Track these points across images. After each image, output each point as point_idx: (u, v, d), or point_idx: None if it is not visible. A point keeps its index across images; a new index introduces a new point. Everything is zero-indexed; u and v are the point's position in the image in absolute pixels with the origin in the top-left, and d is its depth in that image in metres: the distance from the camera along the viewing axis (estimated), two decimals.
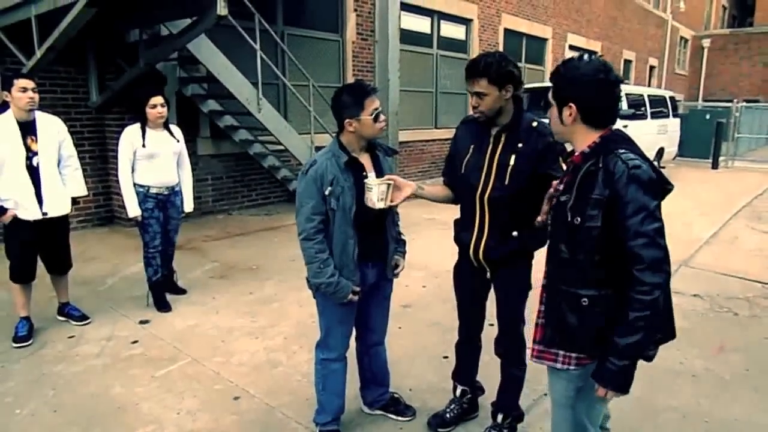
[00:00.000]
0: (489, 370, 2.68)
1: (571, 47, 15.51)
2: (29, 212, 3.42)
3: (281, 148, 7.20)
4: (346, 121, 2.20)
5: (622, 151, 1.57)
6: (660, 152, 11.02)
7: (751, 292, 4.64)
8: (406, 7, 9.54)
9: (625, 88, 10.04)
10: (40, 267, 3.63)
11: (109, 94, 6.06)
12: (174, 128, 4.09)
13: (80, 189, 3.74)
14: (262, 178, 7.91)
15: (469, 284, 2.43)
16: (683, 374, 3.17)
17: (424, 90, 10.76)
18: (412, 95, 10.24)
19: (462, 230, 2.34)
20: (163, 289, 4.11)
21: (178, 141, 4.05)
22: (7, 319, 3.69)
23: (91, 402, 2.81)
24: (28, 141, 3.42)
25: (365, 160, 2.31)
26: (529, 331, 2.46)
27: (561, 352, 1.74)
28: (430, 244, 5.58)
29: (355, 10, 8.91)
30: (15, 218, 3.39)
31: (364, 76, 9.22)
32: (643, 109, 10.11)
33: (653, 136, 10.58)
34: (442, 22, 10.85)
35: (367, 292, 2.39)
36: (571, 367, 1.73)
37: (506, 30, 12.58)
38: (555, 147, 2.12)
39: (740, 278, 5.00)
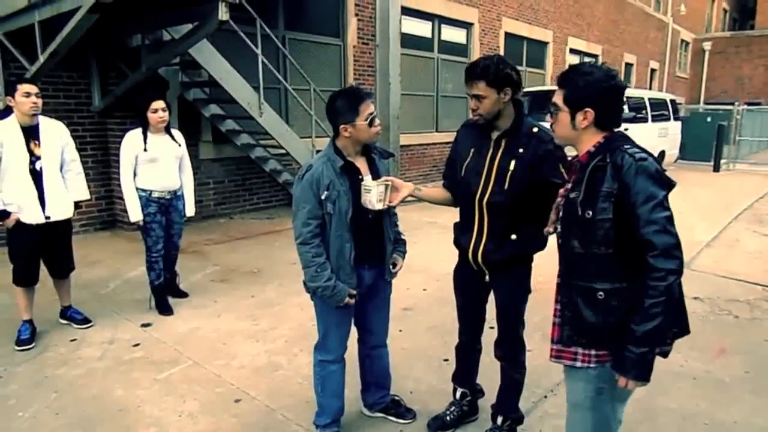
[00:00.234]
0: (489, 373, 2.69)
1: (572, 51, 15.56)
2: (32, 216, 3.45)
3: (283, 152, 7.23)
4: (342, 126, 2.21)
5: (628, 146, 1.65)
6: (661, 155, 11.01)
7: (752, 295, 4.64)
8: (407, 11, 9.58)
9: (626, 92, 10.07)
10: (43, 270, 3.65)
11: (112, 98, 6.10)
12: (175, 132, 4.11)
13: (83, 193, 3.77)
14: (263, 182, 7.94)
15: (468, 287, 2.44)
16: (683, 376, 3.18)
17: (425, 94, 10.80)
18: (413, 99, 10.28)
19: (461, 234, 2.35)
20: (165, 292, 4.13)
21: (179, 145, 4.08)
22: (9, 322, 3.71)
23: (93, 404, 2.83)
24: (32, 145, 3.45)
25: (361, 163, 2.33)
26: (528, 335, 2.48)
27: (580, 351, 1.74)
28: (430, 247, 5.59)
29: (356, 14, 8.96)
30: (18, 222, 3.42)
31: (365, 80, 9.26)
32: (644, 112, 10.12)
33: (654, 139, 10.59)
34: (442, 26, 10.90)
35: (364, 294, 2.41)
36: (591, 365, 1.73)
37: (507, 34, 12.62)
38: (555, 154, 2.13)
39: (741, 281, 5.01)
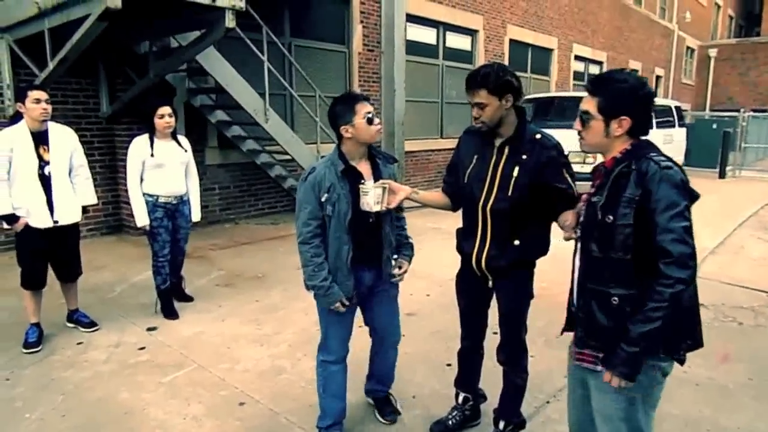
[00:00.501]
0: (491, 378, 2.70)
1: (577, 58, 15.59)
2: (40, 220, 3.50)
3: (288, 157, 7.28)
4: (342, 128, 2.28)
5: (654, 154, 1.65)
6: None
7: (757, 302, 4.63)
8: (412, 19, 9.64)
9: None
10: (50, 274, 3.69)
11: (119, 104, 6.16)
12: (182, 138, 4.16)
13: (90, 197, 3.82)
14: (268, 187, 7.98)
15: (471, 293, 2.46)
16: (687, 382, 3.18)
17: (430, 100, 10.84)
18: (418, 105, 10.32)
19: (464, 240, 2.37)
20: (170, 296, 4.16)
21: (185, 151, 4.12)
22: (16, 325, 3.75)
23: (99, 407, 2.86)
24: (41, 150, 3.51)
25: (364, 168, 2.37)
26: (531, 340, 2.50)
27: (600, 356, 1.73)
28: (433, 253, 5.60)
29: (362, 21, 9.02)
30: (27, 226, 3.47)
31: (371, 87, 9.31)
32: None
33: (659, 145, 10.53)
34: (447, 33, 10.95)
35: (366, 294, 2.47)
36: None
37: (512, 41, 12.66)
38: (558, 160, 2.16)
39: (745, 288, 4.99)
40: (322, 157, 7.04)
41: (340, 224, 2.28)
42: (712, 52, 24.52)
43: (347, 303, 2.36)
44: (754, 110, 17.85)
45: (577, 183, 2.18)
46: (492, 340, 2.60)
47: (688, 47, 24.65)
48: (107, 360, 3.40)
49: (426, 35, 10.48)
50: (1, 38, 5.46)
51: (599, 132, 1.73)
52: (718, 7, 29.41)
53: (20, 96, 3.49)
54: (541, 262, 2.38)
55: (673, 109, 11.48)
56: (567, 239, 1.95)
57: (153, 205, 3.94)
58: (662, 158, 1.63)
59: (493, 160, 2.23)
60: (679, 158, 12.27)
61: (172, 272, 4.22)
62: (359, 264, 2.37)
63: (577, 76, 15.82)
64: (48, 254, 3.61)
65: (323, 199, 2.26)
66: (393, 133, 8.74)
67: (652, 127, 1.74)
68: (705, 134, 14.44)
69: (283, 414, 2.80)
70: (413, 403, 2.91)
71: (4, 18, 5.33)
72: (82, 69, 6.02)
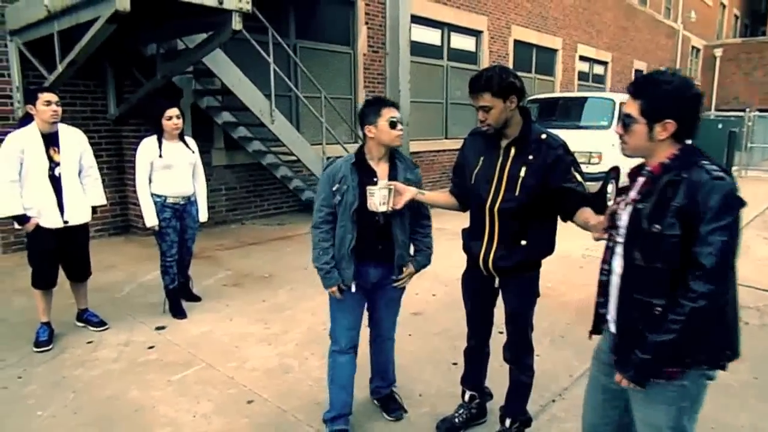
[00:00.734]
0: (497, 376, 2.73)
1: (582, 58, 15.58)
2: (51, 220, 3.54)
3: (293, 158, 7.33)
4: (366, 127, 2.41)
5: (705, 162, 1.57)
6: None
7: (762, 302, 4.63)
8: (416, 20, 9.68)
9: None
10: (59, 274, 3.74)
11: (127, 106, 6.22)
12: (189, 140, 4.20)
13: (100, 198, 3.86)
14: (274, 188, 8.03)
15: (478, 292, 2.48)
16: None
17: (435, 101, 10.87)
18: (422, 106, 10.35)
19: (471, 240, 2.39)
20: (179, 296, 4.20)
21: (193, 152, 4.17)
22: (27, 324, 3.80)
23: (110, 405, 2.90)
24: (51, 152, 3.55)
25: (382, 168, 2.46)
26: (537, 339, 2.52)
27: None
28: (439, 253, 5.59)
29: (367, 22, 9.06)
30: (37, 226, 3.51)
31: (375, 88, 9.35)
32: None
33: None
34: (452, 34, 10.98)
35: (371, 290, 2.57)
36: (660, 381, 1.65)
37: (516, 41, 12.68)
38: (565, 159, 2.18)
39: (751, 288, 4.99)
40: (328, 158, 7.13)
41: (346, 214, 2.40)
42: (718, 52, 24.43)
43: (344, 288, 2.47)
44: (760, 110, 17.79)
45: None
46: (497, 339, 2.63)
47: (693, 47, 24.58)
48: (117, 358, 3.44)
49: (430, 36, 10.52)
50: (11, 41, 5.54)
51: (642, 136, 1.65)
52: (724, 6, 29.30)
53: (31, 98, 3.53)
54: (545, 262, 2.39)
55: None
56: (597, 239, 1.90)
57: (161, 205, 3.98)
58: (714, 167, 1.55)
59: (499, 161, 2.25)
60: None
61: (180, 272, 4.27)
62: (365, 259, 2.46)
63: (582, 76, 15.82)
64: (58, 254, 3.66)
65: (334, 189, 2.41)
66: None
67: (695, 132, 1.64)
68: (711, 134, 14.34)
69: (291, 412, 2.84)
70: (420, 401, 2.94)
71: (13, 21, 5.40)
72: (90, 71, 6.08)
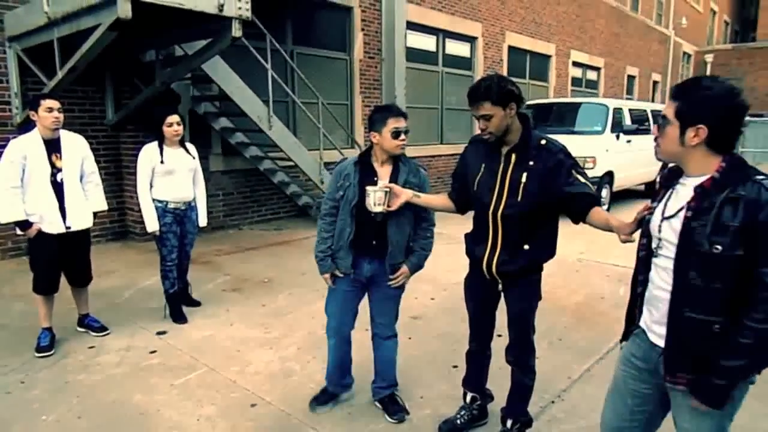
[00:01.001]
0: (497, 378, 2.77)
1: (575, 64, 15.73)
2: (53, 226, 3.56)
3: (290, 164, 7.36)
4: (371, 133, 2.59)
5: (762, 177, 1.53)
6: (663, 166, 11.11)
7: None
8: (412, 26, 9.76)
9: (628, 104, 10.16)
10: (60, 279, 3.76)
11: (125, 112, 6.24)
12: (189, 146, 4.24)
13: (101, 204, 3.89)
14: (271, 193, 8.06)
15: (480, 295, 2.52)
16: None
17: (430, 107, 10.94)
18: (418, 112, 10.41)
19: (475, 245, 2.43)
20: (179, 301, 4.22)
21: (194, 158, 4.20)
22: (27, 330, 3.81)
23: (114, 408, 2.92)
24: (53, 158, 3.58)
25: (385, 170, 2.62)
26: (535, 342, 2.56)
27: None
28: (437, 258, 5.63)
29: (363, 29, 9.12)
30: (40, 232, 3.53)
31: (371, 94, 9.41)
32: (646, 124, 10.23)
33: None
34: (447, 40, 11.07)
35: (365, 283, 2.74)
36: None
37: (510, 47, 12.79)
38: (566, 162, 2.22)
39: None
40: (326, 163, 7.17)
41: (346, 208, 2.60)
42: (709, 58, 24.72)
43: (339, 276, 2.69)
44: (751, 115, 18.00)
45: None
46: (496, 341, 2.67)
47: (684, 53, 24.85)
48: (119, 363, 3.46)
49: (426, 42, 10.60)
50: (10, 47, 5.55)
51: (674, 139, 1.62)
52: (714, 12, 29.65)
53: (33, 105, 3.56)
54: (547, 265, 2.44)
55: None
56: (625, 242, 1.91)
57: (162, 210, 4.01)
58: None
59: (501, 168, 2.30)
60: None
61: (179, 277, 4.29)
62: (360, 253, 2.64)
63: (575, 82, 15.96)
64: (61, 259, 3.67)
65: (338, 185, 2.62)
66: None
67: (735, 144, 1.61)
68: None
69: (295, 415, 2.86)
70: (421, 403, 2.98)
71: (12, 27, 5.42)
72: (88, 77, 6.08)
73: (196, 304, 4.48)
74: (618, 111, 9.26)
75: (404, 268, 2.67)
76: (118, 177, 6.72)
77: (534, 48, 13.72)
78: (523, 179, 2.24)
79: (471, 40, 11.67)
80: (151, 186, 4.00)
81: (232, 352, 3.63)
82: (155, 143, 4.02)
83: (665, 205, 1.71)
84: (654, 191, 1.83)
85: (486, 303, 2.52)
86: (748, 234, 1.49)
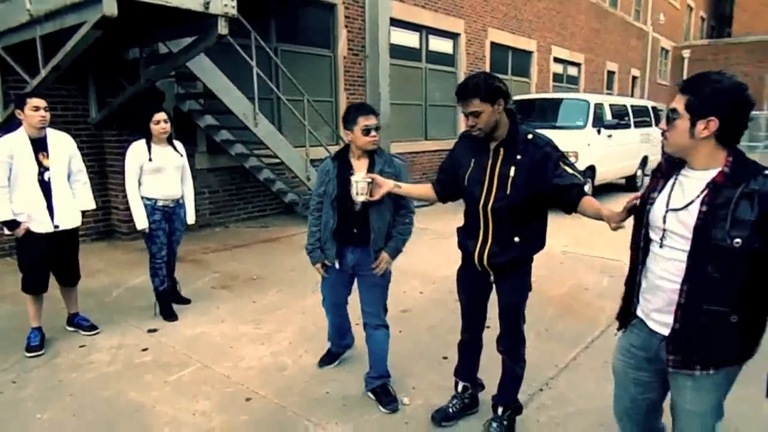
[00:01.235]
0: (487, 368, 2.84)
1: (556, 60, 15.90)
2: (41, 225, 3.55)
3: (276, 161, 7.37)
4: (345, 131, 2.79)
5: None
6: (644, 160, 11.31)
7: None
8: (395, 23, 9.80)
9: (609, 99, 10.33)
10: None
11: (108, 110, 6.19)
12: (177, 143, 4.24)
13: (89, 202, 3.88)
14: (257, 191, 8.05)
15: (472, 287, 2.59)
16: None
17: (414, 103, 11.00)
18: (402, 108, 10.47)
19: (466, 238, 2.50)
20: (169, 298, 4.23)
21: (181, 156, 4.21)
22: (16, 330, 3.79)
23: (109, 405, 2.93)
24: (40, 157, 3.56)
25: (361, 163, 2.81)
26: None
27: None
28: (424, 253, 5.75)
29: (346, 26, 9.14)
30: (28, 231, 3.51)
31: (356, 90, 9.43)
32: (626, 118, 10.41)
33: (637, 144, 10.88)
34: (430, 36, 11.13)
35: (351, 272, 2.92)
36: (711, 372, 1.73)
37: (492, 44, 12.89)
38: (552, 155, 2.29)
39: None
40: (312, 160, 7.17)
41: (328, 202, 2.82)
42: (686, 53, 25.13)
43: (329, 265, 2.92)
44: None
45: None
46: (486, 332, 2.74)
47: (662, 48, 25.24)
48: (111, 361, 3.46)
49: (409, 39, 10.65)
50: None
51: (683, 131, 1.65)
52: (691, 9, 30.14)
53: (19, 103, 3.54)
54: (537, 257, 2.51)
55: (650, 109, 11.81)
56: (615, 230, 1.96)
57: (152, 208, 4.01)
58: None
59: (489, 162, 2.36)
60: (657, 156, 12.61)
61: (167, 275, 4.29)
62: (343, 242, 2.84)
63: (557, 77, 16.14)
64: (49, 259, 3.66)
65: (321, 180, 2.85)
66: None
67: (740, 138, 1.65)
68: None
69: (290, 407, 2.91)
70: (414, 394, 3.04)
71: None
72: (71, 75, 6.02)
73: (186, 301, 4.48)
74: (599, 106, 9.41)
75: (384, 255, 2.82)
76: (102, 176, 6.66)
77: (516, 44, 13.84)
78: (512, 173, 2.30)
79: (454, 36, 11.74)
80: (140, 184, 4.00)
81: (225, 348, 3.66)
82: (143, 141, 4.02)
83: (669, 196, 1.74)
84: (651, 180, 1.86)
85: (478, 295, 2.59)
86: (764, 226, 1.55)
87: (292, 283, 4.94)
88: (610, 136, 9.36)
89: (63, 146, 3.70)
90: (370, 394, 2.98)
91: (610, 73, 19.88)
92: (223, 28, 4.64)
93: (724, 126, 1.60)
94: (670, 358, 1.76)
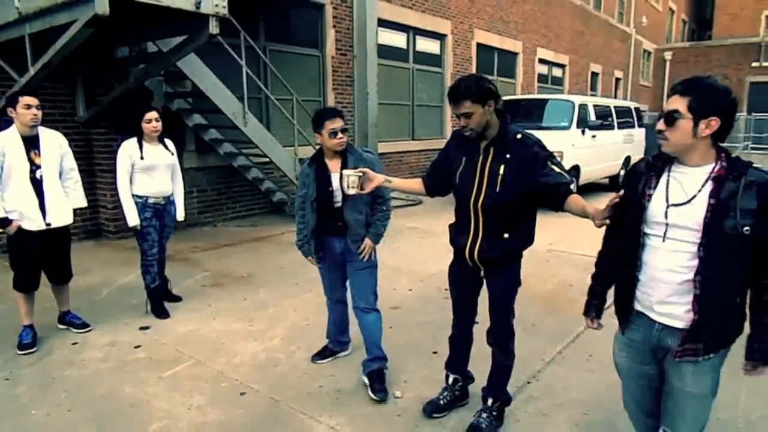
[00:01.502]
0: (477, 361, 2.91)
1: (541, 61, 16.09)
2: (33, 223, 3.56)
3: (265, 160, 7.39)
4: (316, 134, 2.95)
5: (758, 165, 1.75)
6: (627, 160, 11.50)
7: None
8: (383, 23, 9.86)
9: (592, 100, 10.50)
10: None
11: (97, 109, 6.17)
12: (168, 142, 4.26)
13: (81, 200, 3.89)
14: (246, 190, 8.07)
15: (464, 282, 2.67)
16: None
17: (401, 103, 11.08)
18: (389, 108, 10.54)
19: (458, 234, 2.57)
20: (161, 296, 4.25)
21: (172, 154, 4.23)
22: (8, 329, 3.79)
23: (104, 401, 2.96)
24: (32, 155, 3.57)
25: (334, 163, 2.97)
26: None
27: (701, 346, 1.83)
28: (413, 251, 5.83)
29: (334, 26, 9.19)
30: (20, 229, 3.52)
31: (344, 90, 9.49)
32: (610, 119, 10.58)
33: (620, 145, 11.06)
34: (417, 37, 11.22)
35: (340, 260, 3.11)
36: (711, 356, 1.83)
37: (479, 45, 13.02)
38: (540, 155, 2.37)
39: None
40: (300, 159, 7.21)
41: (308, 202, 3.01)
42: (668, 55, 25.54)
43: (316, 256, 3.13)
44: None
45: None
46: (475, 327, 2.81)
47: (644, 50, 25.64)
48: (105, 358, 3.49)
49: (397, 39, 10.73)
50: None
51: (687, 132, 1.73)
52: (672, 11, 30.66)
53: (10, 101, 3.55)
54: (527, 252, 2.59)
55: (633, 110, 12.01)
56: (600, 226, 2.03)
57: (143, 205, 4.03)
58: (763, 169, 1.73)
59: (480, 161, 2.44)
60: (639, 157, 12.82)
61: (158, 271, 4.31)
62: (330, 234, 3.04)
63: (542, 78, 16.33)
64: (41, 256, 3.67)
65: (302, 182, 3.05)
66: (366, 135, 8.95)
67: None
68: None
69: (285, 401, 2.96)
70: (405, 387, 3.11)
71: None
72: (59, 73, 5.99)
73: (177, 299, 4.51)
74: (583, 107, 9.56)
75: (367, 240, 3.00)
76: (90, 174, 6.63)
77: (502, 45, 13.99)
78: (501, 171, 2.38)
79: (441, 37, 11.85)
80: (131, 181, 4.02)
81: (218, 344, 3.70)
82: (134, 139, 4.04)
83: (666, 192, 1.82)
84: (637, 177, 1.92)
85: (469, 289, 2.66)
86: (764, 213, 1.68)
87: (283, 281, 4.99)
88: (594, 136, 9.52)
89: (55, 144, 3.72)
90: (365, 378, 3.06)
91: (594, 75, 20.16)
92: (214, 28, 4.66)
93: (723, 125, 1.71)
94: (683, 348, 1.83)
